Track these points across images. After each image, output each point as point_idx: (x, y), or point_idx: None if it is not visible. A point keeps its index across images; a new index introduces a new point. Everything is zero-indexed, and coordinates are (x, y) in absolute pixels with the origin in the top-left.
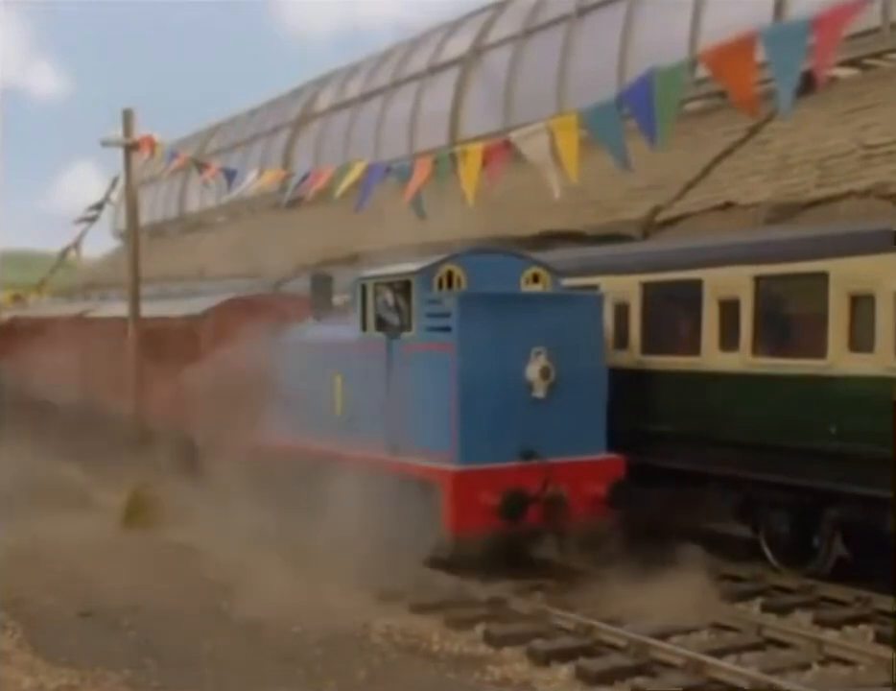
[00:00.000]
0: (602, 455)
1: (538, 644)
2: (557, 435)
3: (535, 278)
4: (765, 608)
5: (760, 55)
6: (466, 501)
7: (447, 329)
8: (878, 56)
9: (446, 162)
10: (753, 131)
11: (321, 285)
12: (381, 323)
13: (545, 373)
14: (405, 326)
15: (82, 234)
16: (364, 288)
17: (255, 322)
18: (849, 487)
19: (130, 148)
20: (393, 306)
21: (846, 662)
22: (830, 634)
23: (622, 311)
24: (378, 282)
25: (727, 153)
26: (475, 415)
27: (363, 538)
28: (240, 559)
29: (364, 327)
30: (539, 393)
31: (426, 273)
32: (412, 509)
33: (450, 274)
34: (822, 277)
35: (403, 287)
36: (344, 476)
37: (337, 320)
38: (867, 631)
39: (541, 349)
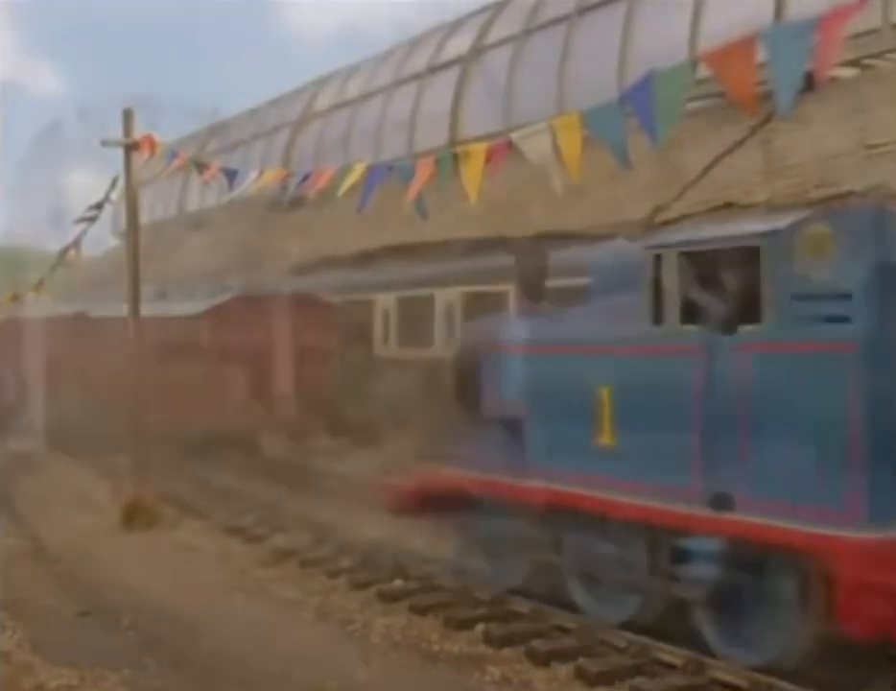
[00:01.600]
0: None
1: (538, 644)
2: None
3: None
4: None
5: (760, 55)
6: (878, 587)
7: (843, 319)
8: (878, 56)
9: (448, 162)
10: (753, 131)
11: (533, 265)
12: (691, 312)
13: None
14: (746, 316)
15: (82, 234)
16: (659, 260)
17: (261, 321)
18: None
19: (130, 148)
20: (720, 287)
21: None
22: None
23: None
24: (688, 251)
25: (727, 153)
26: (888, 453)
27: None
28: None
29: (657, 319)
30: None
31: (786, 234)
32: (754, 590)
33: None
34: None
35: (741, 257)
36: (623, 536)
37: (561, 310)
38: None
39: None
